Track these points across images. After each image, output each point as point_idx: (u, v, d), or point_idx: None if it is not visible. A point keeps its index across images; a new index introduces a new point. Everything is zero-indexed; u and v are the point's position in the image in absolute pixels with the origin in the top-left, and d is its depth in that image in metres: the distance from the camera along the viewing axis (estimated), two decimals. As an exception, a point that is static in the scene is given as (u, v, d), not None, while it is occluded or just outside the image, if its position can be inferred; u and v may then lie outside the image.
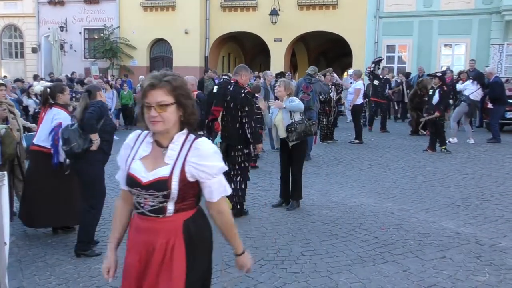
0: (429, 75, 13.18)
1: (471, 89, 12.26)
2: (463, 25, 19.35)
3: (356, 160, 10.05)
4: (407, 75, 18.35)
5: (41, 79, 17.35)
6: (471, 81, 12.76)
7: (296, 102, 6.46)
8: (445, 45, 20.15)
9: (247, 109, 5.90)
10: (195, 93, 7.14)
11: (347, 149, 11.45)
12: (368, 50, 20.85)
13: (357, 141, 12.40)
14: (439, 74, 11.47)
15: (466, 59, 18.58)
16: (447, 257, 4.81)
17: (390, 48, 20.90)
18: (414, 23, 20.18)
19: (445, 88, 10.99)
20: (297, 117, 6.43)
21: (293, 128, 6.30)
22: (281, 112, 6.49)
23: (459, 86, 13.74)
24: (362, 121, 13.42)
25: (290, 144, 6.39)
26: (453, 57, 20.17)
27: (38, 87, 6.29)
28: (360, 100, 12.76)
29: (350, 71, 17.69)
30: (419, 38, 20.18)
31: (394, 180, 8.22)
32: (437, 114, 10.73)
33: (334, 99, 12.90)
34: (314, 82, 10.29)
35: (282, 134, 6.49)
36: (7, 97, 6.40)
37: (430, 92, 11.26)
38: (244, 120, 5.90)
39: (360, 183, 8.03)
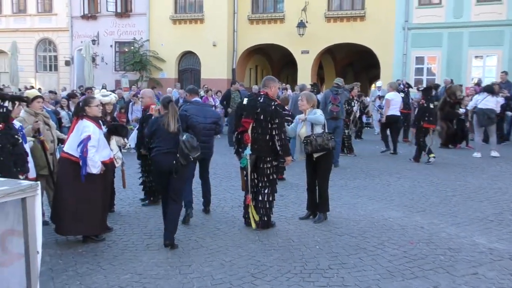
0: (417, 89, 13.15)
1: (478, 99, 12.02)
2: (494, 36, 18.98)
3: (384, 173, 9.92)
4: (436, 87, 18.06)
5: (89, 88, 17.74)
6: (477, 93, 12.76)
7: (317, 115, 6.43)
8: (476, 57, 19.80)
9: (277, 121, 5.91)
10: (153, 106, 6.91)
11: (375, 162, 11.32)
12: (396, 61, 20.67)
13: (384, 149, 12.30)
14: (421, 88, 11.48)
15: (498, 71, 18.18)
16: (480, 273, 4.68)
17: (419, 60, 20.65)
18: (444, 35, 19.91)
19: (422, 103, 11.20)
20: (318, 129, 6.41)
21: (309, 141, 6.29)
22: (305, 125, 6.48)
23: (471, 104, 13.18)
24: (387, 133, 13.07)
25: (315, 155, 6.36)
26: (484, 68, 19.79)
27: (101, 97, 6.57)
28: (392, 112, 12.39)
29: (378, 83, 17.55)
30: (449, 50, 19.89)
31: (423, 194, 8.08)
32: (413, 130, 11.19)
33: (358, 113, 12.71)
34: (341, 93, 10.65)
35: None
36: (43, 109, 6.57)
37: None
38: (274, 132, 5.90)
39: (389, 196, 7.92)
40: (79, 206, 5.36)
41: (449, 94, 13.33)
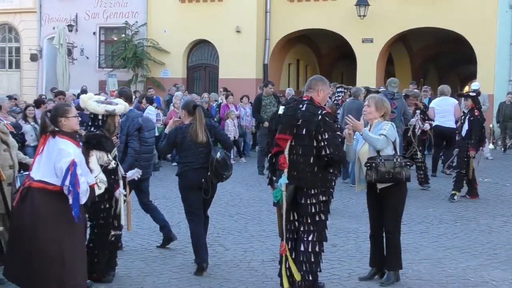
0: (458, 95, 13.13)
1: None
2: None
3: (483, 215, 9.80)
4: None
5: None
6: None
7: (380, 138, 6.23)
8: None
9: (326, 136, 5.83)
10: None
11: (468, 199, 11.15)
12: (500, 53, 20.46)
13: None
14: (473, 94, 11.33)
15: None
16: None
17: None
18: None
19: (477, 114, 11.00)
20: (388, 150, 6.34)
21: (374, 164, 6.17)
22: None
23: None
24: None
25: (379, 186, 6.29)
26: None
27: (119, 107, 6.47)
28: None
29: (474, 85, 17.36)
30: None
31: (542, 246, 7.95)
32: (472, 153, 10.77)
33: (418, 128, 12.41)
34: (397, 98, 11.55)
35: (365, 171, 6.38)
36: (0, 121, 6.68)
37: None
38: (324, 152, 5.77)
39: (491, 249, 7.82)
40: (66, 251, 5.30)
41: None
